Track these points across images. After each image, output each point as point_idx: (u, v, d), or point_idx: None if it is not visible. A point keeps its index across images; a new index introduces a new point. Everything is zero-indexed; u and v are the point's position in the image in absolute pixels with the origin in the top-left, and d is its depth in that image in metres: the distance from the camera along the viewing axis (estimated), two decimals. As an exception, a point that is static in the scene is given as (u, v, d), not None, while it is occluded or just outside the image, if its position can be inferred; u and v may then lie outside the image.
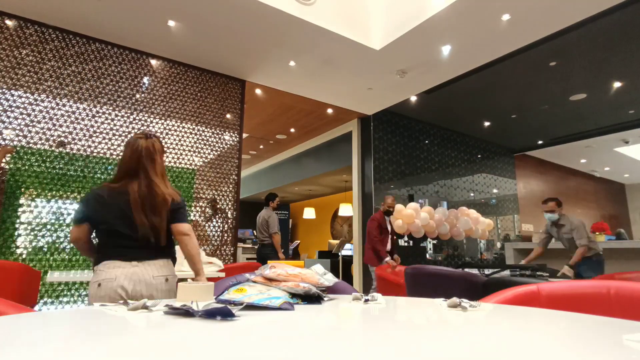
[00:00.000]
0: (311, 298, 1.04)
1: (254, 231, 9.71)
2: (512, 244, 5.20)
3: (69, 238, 1.83)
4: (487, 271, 3.44)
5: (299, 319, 0.80)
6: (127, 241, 1.64)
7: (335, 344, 0.59)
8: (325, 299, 1.08)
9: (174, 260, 1.81)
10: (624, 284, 0.99)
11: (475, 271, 3.34)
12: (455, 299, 0.95)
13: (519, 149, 8.09)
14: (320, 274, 1.15)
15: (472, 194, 7.19)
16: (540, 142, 7.58)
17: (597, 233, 4.94)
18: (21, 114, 3.50)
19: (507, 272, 3.18)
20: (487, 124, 6.66)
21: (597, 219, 9.94)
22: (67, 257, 3.55)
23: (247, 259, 7.69)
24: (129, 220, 1.64)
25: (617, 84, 5.01)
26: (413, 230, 5.53)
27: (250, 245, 7.92)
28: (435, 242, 6.45)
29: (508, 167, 8.01)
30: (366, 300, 1.05)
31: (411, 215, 5.46)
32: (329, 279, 1.14)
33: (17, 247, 3.38)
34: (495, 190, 7.62)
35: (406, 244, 6.04)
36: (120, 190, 1.67)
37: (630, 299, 0.93)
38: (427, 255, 6.34)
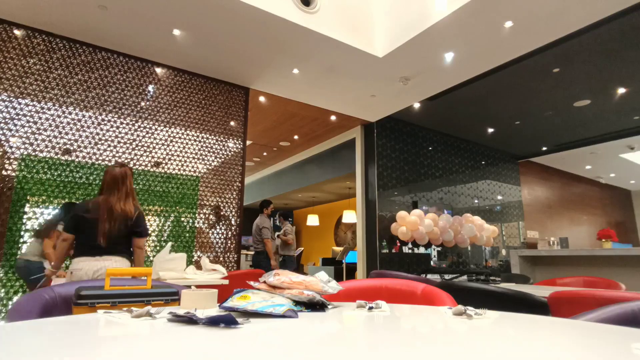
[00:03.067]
0: (315, 306, 1.04)
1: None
2: (518, 251, 5.16)
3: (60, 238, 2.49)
4: (447, 276, 3.52)
5: (302, 327, 0.80)
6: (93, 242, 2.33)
7: (339, 352, 0.59)
8: (329, 306, 1.08)
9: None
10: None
11: (436, 277, 3.47)
12: (460, 307, 0.94)
13: (523, 156, 8.06)
14: (324, 282, 1.14)
15: (476, 201, 7.15)
16: (544, 148, 7.55)
17: (603, 240, 4.89)
18: (28, 122, 3.54)
19: (464, 278, 3.25)
20: (490, 130, 6.65)
21: (602, 226, 9.85)
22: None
23: (251, 266, 7.68)
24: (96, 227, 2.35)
25: (621, 90, 5.00)
26: (417, 238, 5.50)
27: (253, 252, 7.91)
28: (439, 249, 6.41)
29: (512, 173, 7.98)
30: (370, 308, 1.04)
31: (415, 222, 5.44)
32: (333, 287, 1.13)
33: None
34: (499, 197, 7.58)
35: (410, 251, 6.01)
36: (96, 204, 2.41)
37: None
38: (432, 262, 6.30)
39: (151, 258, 3.93)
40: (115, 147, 3.92)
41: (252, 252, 5.74)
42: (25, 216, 3.42)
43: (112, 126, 3.94)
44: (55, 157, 3.63)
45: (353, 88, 4.91)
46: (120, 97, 4.02)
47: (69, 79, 3.78)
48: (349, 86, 4.86)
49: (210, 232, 4.37)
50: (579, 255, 4.45)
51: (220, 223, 4.44)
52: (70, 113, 3.75)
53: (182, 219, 4.22)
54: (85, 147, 3.78)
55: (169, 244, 2.91)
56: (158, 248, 4.01)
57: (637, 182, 10.36)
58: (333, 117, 5.99)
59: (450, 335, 0.76)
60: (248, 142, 6.74)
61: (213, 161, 4.53)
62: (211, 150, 4.52)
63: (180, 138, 4.32)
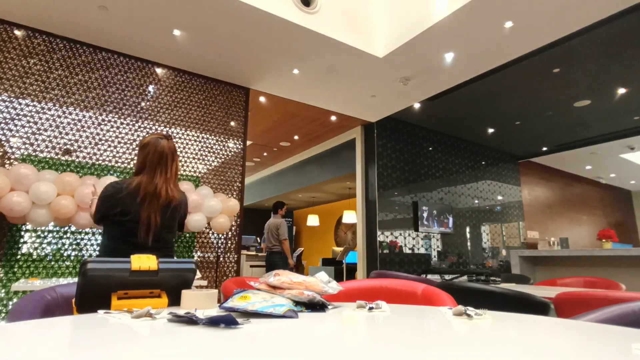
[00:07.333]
0: (315, 306, 1.04)
1: (257, 238, 9.70)
2: (518, 251, 5.16)
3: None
4: (447, 277, 3.50)
5: (302, 327, 0.80)
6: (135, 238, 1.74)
7: (339, 353, 0.59)
8: (329, 307, 1.08)
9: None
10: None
11: (437, 277, 3.43)
12: (460, 307, 0.94)
13: (523, 156, 8.06)
14: (324, 282, 1.14)
15: (476, 201, 7.15)
16: (544, 148, 7.55)
17: (603, 240, 4.89)
18: (28, 122, 3.54)
19: (464, 278, 3.24)
20: (491, 130, 6.65)
21: (603, 226, 9.85)
22: (71, 264, 3.56)
23: (251, 266, 7.69)
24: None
25: (621, 90, 5.00)
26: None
27: (253, 253, 7.91)
28: (439, 249, 6.41)
29: (513, 173, 7.97)
30: (370, 308, 1.04)
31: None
32: (333, 287, 1.13)
33: (23, 255, 3.39)
34: (500, 197, 7.58)
35: (410, 252, 6.00)
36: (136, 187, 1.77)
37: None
38: (432, 263, 6.30)
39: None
40: (115, 147, 3.93)
41: (254, 253, 5.76)
42: (25, 216, 3.42)
43: (112, 126, 3.94)
44: (56, 157, 3.63)
45: (353, 88, 4.91)
46: (121, 97, 4.02)
47: (69, 79, 3.78)
48: (349, 86, 4.86)
49: (211, 232, 4.37)
50: (579, 255, 4.45)
51: (221, 223, 4.43)
52: (70, 113, 3.75)
53: (182, 219, 4.22)
54: (86, 148, 3.78)
55: None
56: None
57: (637, 182, 10.35)
58: (333, 118, 5.99)
59: (451, 335, 0.76)
60: (248, 143, 6.75)
61: (213, 161, 4.53)
62: (211, 151, 4.52)
63: (180, 138, 4.32)
